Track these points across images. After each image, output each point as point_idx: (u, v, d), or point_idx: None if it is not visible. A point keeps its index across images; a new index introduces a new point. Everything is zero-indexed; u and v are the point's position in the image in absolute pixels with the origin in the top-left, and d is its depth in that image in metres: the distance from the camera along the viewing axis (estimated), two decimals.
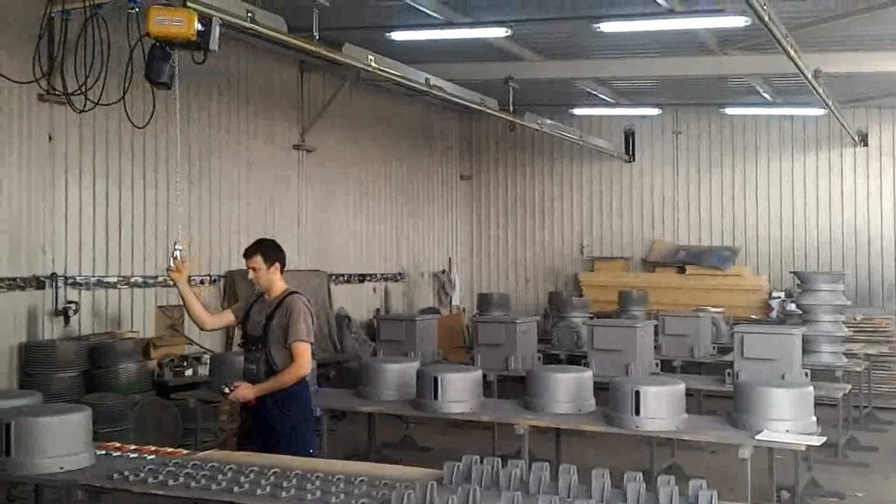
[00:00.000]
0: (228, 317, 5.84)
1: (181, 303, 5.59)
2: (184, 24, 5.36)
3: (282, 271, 5.59)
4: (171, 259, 5.38)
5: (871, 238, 13.96)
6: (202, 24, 5.49)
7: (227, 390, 5.40)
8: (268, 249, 5.65)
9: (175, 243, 5.45)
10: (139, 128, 7.93)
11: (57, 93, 7.86)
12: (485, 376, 7.18)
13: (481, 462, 4.09)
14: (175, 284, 5.54)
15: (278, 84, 11.90)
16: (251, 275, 5.59)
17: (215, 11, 7.17)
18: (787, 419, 5.71)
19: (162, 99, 9.94)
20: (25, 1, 8.03)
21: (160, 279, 9.80)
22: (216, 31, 5.43)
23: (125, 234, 9.51)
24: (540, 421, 6.32)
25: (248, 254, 5.63)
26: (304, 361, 5.38)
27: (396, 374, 7.13)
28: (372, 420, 8.25)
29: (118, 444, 4.92)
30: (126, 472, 4.21)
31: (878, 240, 13.94)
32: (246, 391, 5.35)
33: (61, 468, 4.26)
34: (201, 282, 10.45)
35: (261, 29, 7.73)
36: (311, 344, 5.43)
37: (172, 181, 10.10)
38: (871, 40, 10.13)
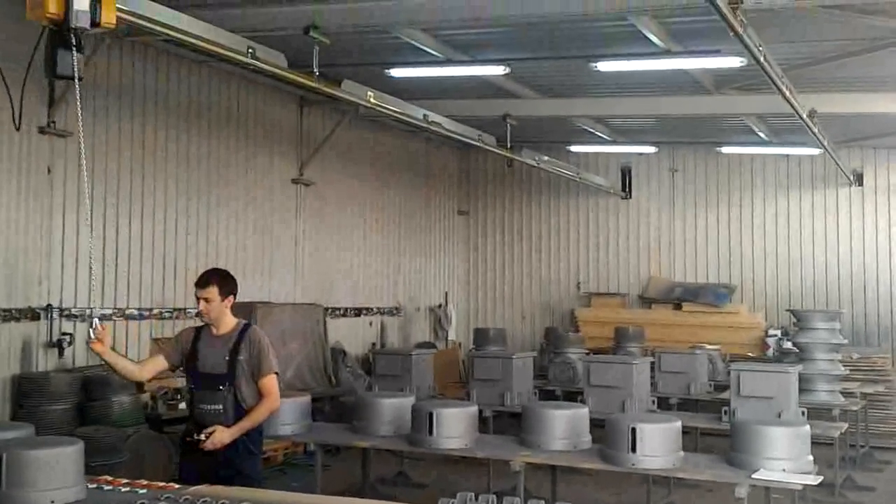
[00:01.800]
0: (159, 362, 5.34)
1: (109, 363, 5.09)
2: (53, 5, 4.32)
3: (233, 304, 5.24)
4: (92, 331, 4.83)
5: (867, 277, 13.99)
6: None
7: (202, 437, 5.00)
8: (224, 280, 5.29)
9: (91, 316, 4.92)
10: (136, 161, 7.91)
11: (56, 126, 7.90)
12: (480, 412, 7.15)
13: (476, 499, 4.06)
14: (98, 355, 5.03)
15: (278, 119, 11.99)
16: (202, 306, 5.18)
17: (215, 47, 7.26)
18: (784, 458, 5.68)
19: (162, 130, 10.07)
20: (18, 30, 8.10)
21: (155, 311, 9.80)
22: (78, 14, 4.35)
23: (121, 266, 9.51)
24: (536, 458, 6.28)
25: (203, 283, 5.21)
26: (277, 395, 5.18)
27: (392, 408, 7.09)
28: (366, 455, 8.19)
29: (110, 478, 4.86)
30: None
31: (873, 279, 13.97)
32: (222, 435, 4.99)
33: (52, 502, 4.21)
34: (197, 314, 10.43)
35: (261, 65, 7.80)
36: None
37: (170, 213, 10.17)
38: (865, 81, 10.24)
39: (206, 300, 5.17)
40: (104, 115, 9.30)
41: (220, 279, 5.27)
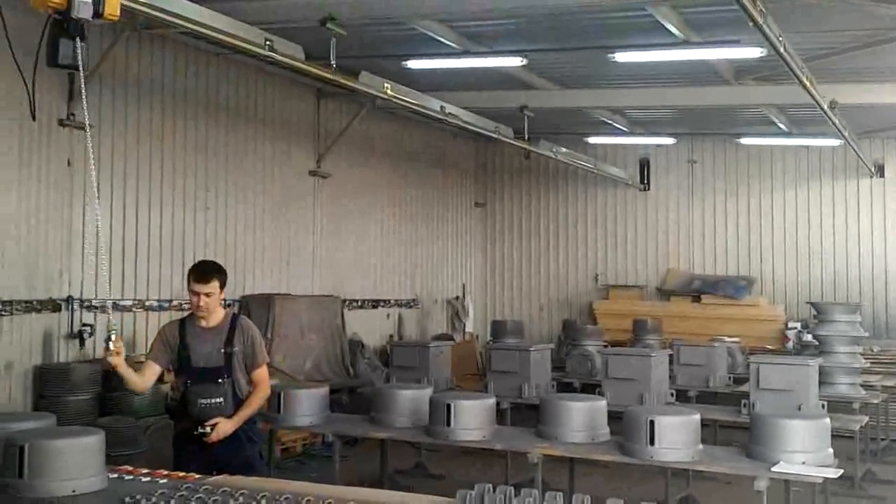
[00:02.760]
0: (154, 368, 5.22)
1: (122, 376, 4.96)
2: None
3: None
4: (108, 343, 4.70)
5: (889, 269, 13.86)
6: None
7: (207, 429, 4.98)
8: (222, 272, 5.20)
9: (109, 329, 4.77)
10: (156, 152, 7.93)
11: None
12: (498, 404, 7.13)
13: (494, 490, 4.06)
14: (114, 367, 4.88)
15: (295, 111, 12.01)
16: (202, 301, 5.07)
17: (233, 40, 7.27)
18: (804, 451, 5.63)
19: (181, 123, 10.11)
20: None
21: (175, 303, 9.85)
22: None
23: (141, 257, 9.58)
24: (553, 450, 6.27)
25: (205, 278, 5.09)
26: (268, 383, 5.25)
27: (409, 400, 7.10)
28: (384, 447, 8.21)
29: (131, 468, 4.90)
30: (138, 496, 4.20)
31: (895, 271, 13.83)
32: (226, 426, 5.01)
33: (73, 491, 4.26)
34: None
35: (279, 57, 7.82)
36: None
37: (189, 205, 10.22)
38: (887, 72, 10.13)
39: (208, 295, 5.09)
40: (122, 108, 9.35)
41: (220, 272, 5.20)
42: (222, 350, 5.11)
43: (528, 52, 9.54)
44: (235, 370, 5.12)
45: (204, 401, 5.05)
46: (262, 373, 5.20)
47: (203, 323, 5.18)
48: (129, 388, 5.25)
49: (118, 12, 4.43)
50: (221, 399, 5.06)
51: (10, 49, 6.07)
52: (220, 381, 5.07)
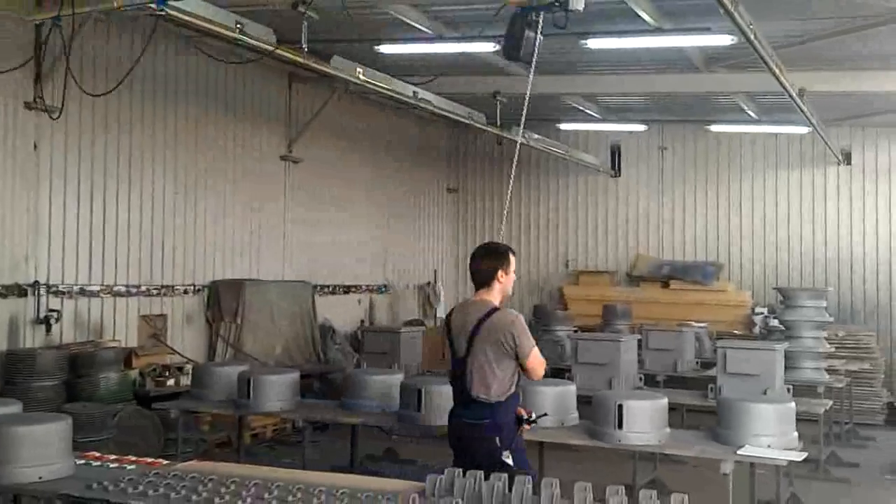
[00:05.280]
0: None
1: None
2: None
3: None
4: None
5: (854, 255, 14.07)
6: None
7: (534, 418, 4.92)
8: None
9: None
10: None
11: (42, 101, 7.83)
12: None
13: (464, 475, 4.09)
14: None
15: (266, 95, 11.91)
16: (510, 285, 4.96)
17: (204, 23, 7.18)
18: (769, 434, 5.73)
19: (149, 107, 9.99)
20: (12, 8, 8.01)
21: (143, 288, 9.77)
22: None
23: (108, 242, 9.47)
24: (523, 434, 6.31)
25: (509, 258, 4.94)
26: None
27: (380, 385, 7.11)
28: (355, 432, 8.21)
29: (98, 454, 4.88)
30: (105, 483, 4.18)
31: (860, 257, 14.05)
32: None
33: (40, 478, 4.23)
34: (184, 291, 10.42)
35: (250, 40, 7.74)
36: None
37: (157, 189, 10.12)
38: (855, 60, 10.24)
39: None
40: (90, 91, 9.22)
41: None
42: None
43: (501, 38, 9.51)
44: None
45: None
46: None
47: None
48: None
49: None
50: None
51: None
52: None
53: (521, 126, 6.47)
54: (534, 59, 4.39)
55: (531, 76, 5.68)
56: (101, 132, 9.38)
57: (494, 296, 4.93)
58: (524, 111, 5.98)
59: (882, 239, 13.98)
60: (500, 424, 4.76)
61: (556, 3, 4.83)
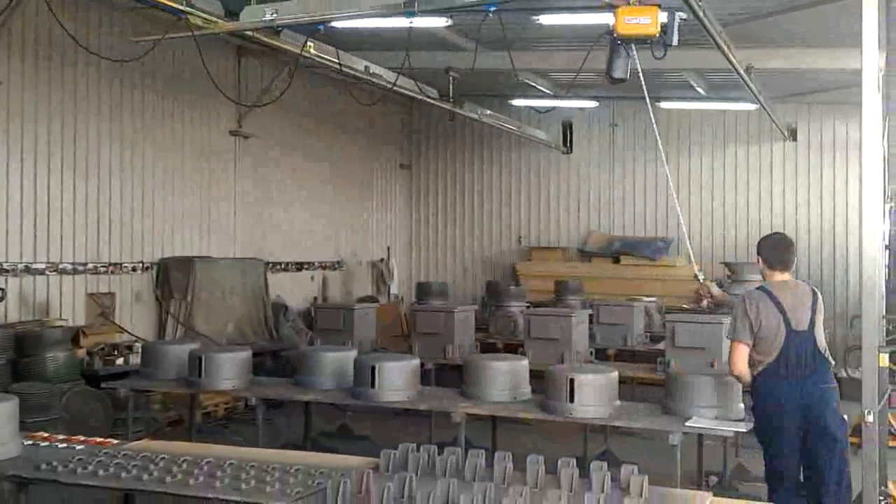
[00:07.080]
0: None
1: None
2: (650, 23, 5.79)
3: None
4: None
5: (799, 230, 14.36)
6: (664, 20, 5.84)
7: None
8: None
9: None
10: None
11: None
12: (422, 365, 7.19)
13: (418, 450, 4.12)
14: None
15: (215, 69, 11.64)
16: None
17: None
18: (716, 406, 5.86)
19: (94, 82, 9.76)
20: None
21: (90, 266, 9.59)
22: (676, 25, 5.84)
23: (54, 219, 9.27)
24: (476, 409, 6.37)
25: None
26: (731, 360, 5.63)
27: (334, 362, 7.10)
28: (308, 409, 8.21)
29: (46, 434, 4.81)
30: (55, 463, 4.12)
31: (805, 233, 14.36)
32: None
33: None
34: (133, 269, 10.26)
35: (196, 13, 7.57)
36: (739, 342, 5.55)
37: (104, 165, 9.92)
38: (802, 37, 10.40)
39: None
40: (32, 63, 8.98)
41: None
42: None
43: (453, 13, 9.47)
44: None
45: None
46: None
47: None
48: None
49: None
50: None
51: None
52: None
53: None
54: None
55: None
56: (45, 106, 9.15)
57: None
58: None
59: (826, 213, 14.31)
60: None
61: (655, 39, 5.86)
